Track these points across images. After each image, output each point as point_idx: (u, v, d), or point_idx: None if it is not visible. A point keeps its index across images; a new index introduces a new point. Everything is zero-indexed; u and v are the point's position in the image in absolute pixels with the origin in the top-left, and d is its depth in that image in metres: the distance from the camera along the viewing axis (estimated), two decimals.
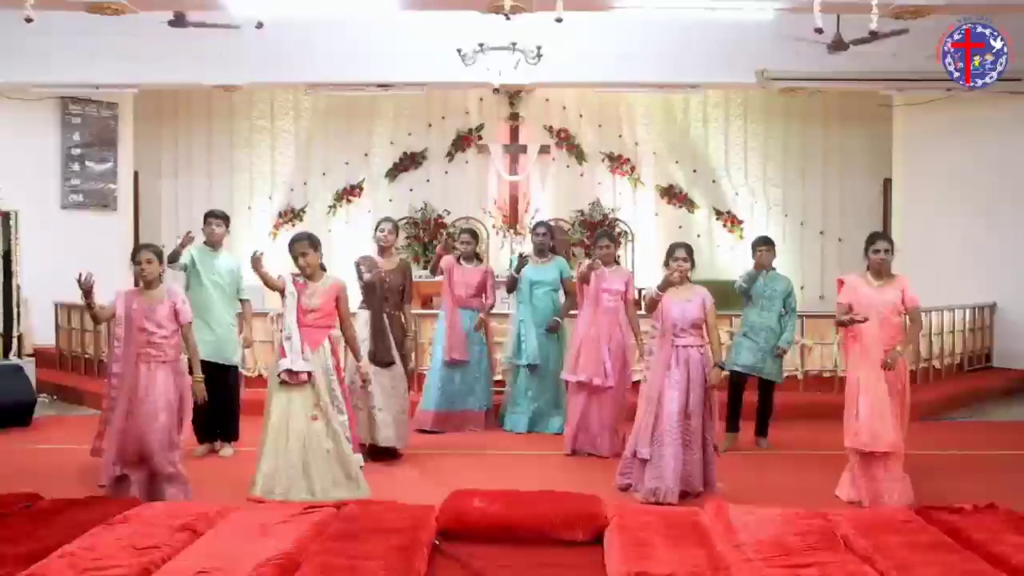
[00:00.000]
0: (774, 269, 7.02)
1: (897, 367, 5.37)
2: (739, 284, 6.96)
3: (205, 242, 6.65)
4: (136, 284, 5.48)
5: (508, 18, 6.81)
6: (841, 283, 5.63)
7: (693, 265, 5.64)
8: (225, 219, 6.75)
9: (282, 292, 5.43)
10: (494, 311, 7.98)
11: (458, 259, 7.60)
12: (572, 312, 7.27)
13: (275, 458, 5.20)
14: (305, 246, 5.43)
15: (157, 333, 5.14)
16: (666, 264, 5.66)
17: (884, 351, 5.35)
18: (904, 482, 5.38)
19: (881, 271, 5.51)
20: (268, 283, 5.42)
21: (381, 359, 6.39)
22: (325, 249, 5.82)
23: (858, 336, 5.41)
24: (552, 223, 7.97)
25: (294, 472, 5.20)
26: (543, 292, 7.43)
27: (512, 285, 7.56)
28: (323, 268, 5.58)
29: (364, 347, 6.40)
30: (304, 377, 5.27)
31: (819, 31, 5.73)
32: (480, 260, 7.71)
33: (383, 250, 6.71)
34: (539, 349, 7.35)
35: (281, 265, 11.70)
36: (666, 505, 5.16)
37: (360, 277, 6.56)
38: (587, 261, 6.91)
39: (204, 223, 6.69)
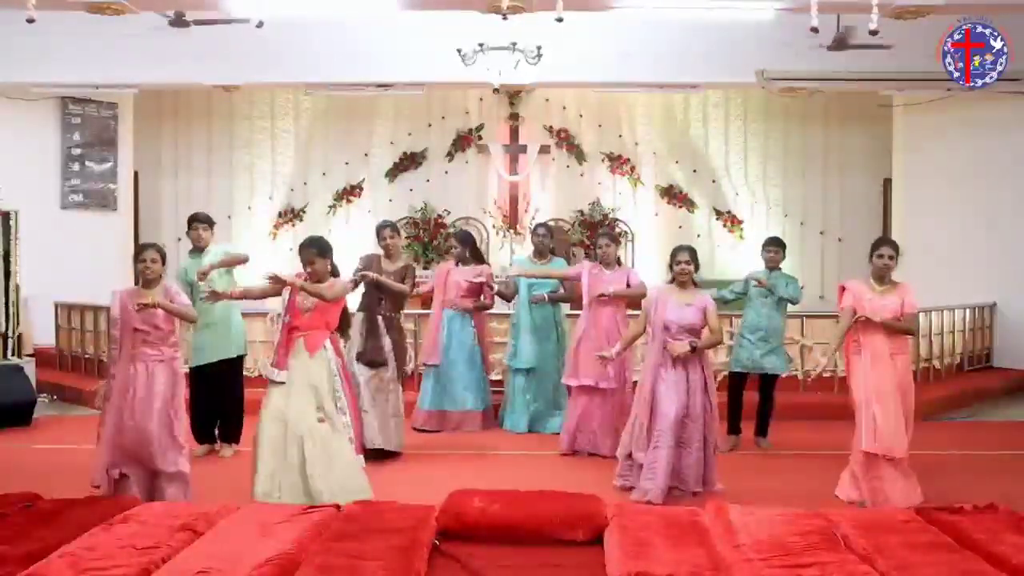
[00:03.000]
0: (780, 269, 7.02)
1: (901, 370, 5.40)
2: (725, 294, 6.92)
3: (191, 249, 6.65)
4: (136, 282, 5.46)
5: (505, 18, 6.81)
6: (843, 289, 5.63)
7: (697, 267, 5.61)
8: (209, 223, 6.68)
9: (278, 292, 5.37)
10: (494, 311, 7.99)
11: (456, 263, 7.58)
12: (574, 312, 7.27)
13: (272, 460, 5.13)
14: (313, 255, 5.31)
15: (153, 333, 5.12)
16: (670, 268, 5.65)
17: (892, 355, 5.37)
18: (910, 480, 5.39)
19: (883, 277, 5.52)
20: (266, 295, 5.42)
21: (370, 359, 6.37)
22: None
23: (865, 343, 5.43)
24: (552, 223, 7.97)
25: (294, 475, 5.14)
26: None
27: (510, 297, 7.59)
28: (335, 274, 5.48)
29: (356, 346, 6.41)
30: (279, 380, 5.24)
31: (815, 31, 5.72)
32: (478, 262, 7.68)
33: (388, 254, 6.70)
34: (536, 353, 7.35)
35: (281, 264, 11.75)
36: (653, 506, 5.15)
37: (355, 272, 6.56)
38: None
39: (189, 228, 6.66)
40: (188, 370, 6.63)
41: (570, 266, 7.79)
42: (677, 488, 5.43)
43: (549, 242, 7.57)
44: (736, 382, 6.95)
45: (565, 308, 7.80)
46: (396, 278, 6.57)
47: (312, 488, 5.09)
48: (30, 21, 5.66)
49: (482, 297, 7.54)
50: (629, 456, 5.56)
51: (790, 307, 7.14)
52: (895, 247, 5.58)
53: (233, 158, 12.45)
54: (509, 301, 7.73)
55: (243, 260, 6.54)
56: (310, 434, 5.14)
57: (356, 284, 6.39)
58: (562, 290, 7.43)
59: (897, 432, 5.30)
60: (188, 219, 6.72)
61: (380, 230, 6.74)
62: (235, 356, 6.64)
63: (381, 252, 6.72)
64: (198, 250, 6.59)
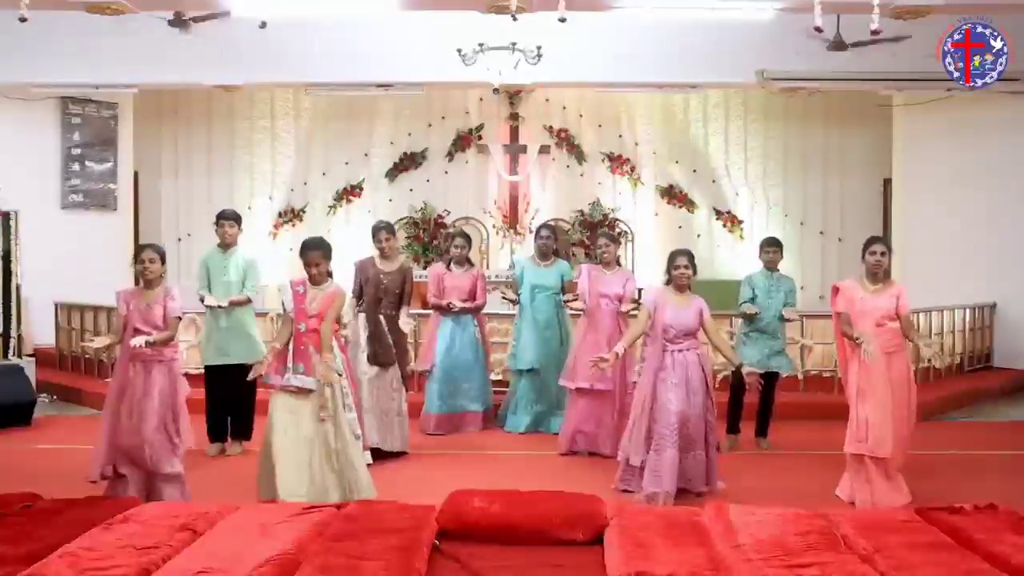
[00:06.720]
0: (778, 270, 7.02)
1: (898, 368, 5.40)
2: (742, 304, 6.89)
3: (218, 244, 6.70)
4: (136, 283, 5.48)
5: (515, 18, 6.72)
6: (836, 290, 5.63)
7: (695, 271, 5.63)
8: (237, 219, 6.80)
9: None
10: (495, 311, 7.97)
11: (448, 264, 7.53)
12: (576, 312, 7.26)
13: (287, 459, 5.13)
14: (319, 257, 5.33)
15: (152, 335, 5.14)
16: (667, 272, 5.65)
17: (886, 353, 5.36)
18: (894, 481, 5.40)
19: (877, 274, 5.53)
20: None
21: (382, 360, 6.39)
22: None
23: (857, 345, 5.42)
24: (552, 224, 7.94)
25: (306, 473, 5.14)
26: (545, 296, 7.36)
27: (515, 298, 7.55)
28: (330, 275, 5.47)
29: (363, 348, 6.41)
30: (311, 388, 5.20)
31: (819, 30, 5.72)
32: (472, 264, 7.67)
33: (385, 255, 6.69)
34: (539, 354, 7.31)
35: (281, 264, 11.72)
36: (653, 506, 5.16)
37: (355, 279, 6.58)
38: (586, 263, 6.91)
39: (216, 224, 6.73)
40: (204, 369, 6.78)
41: (571, 267, 7.76)
42: (685, 490, 5.43)
43: (553, 244, 7.51)
44: (739, 380, 6.92)
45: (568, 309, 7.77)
46: (394, 277, 6.60)
47: (324, 486, 5.10)
48: (22, 20, 5.66)
49: (476, 299, 7.51)
50: (628, 461, 5.56)
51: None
52: (886, 244, 5.63)
53: (233, 158, 12.44)
54: (515, 303, 7.64)
55: (246, 302, 6.69)
56: (320, 433, 5.16)
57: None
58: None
59: (886, 432, 5.27)
60: (216, 216, 6.83)
61: (376, 232, 6.73)
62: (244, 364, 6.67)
63: (376, 254, 6.72)
64: (224, 246, 6.69)
